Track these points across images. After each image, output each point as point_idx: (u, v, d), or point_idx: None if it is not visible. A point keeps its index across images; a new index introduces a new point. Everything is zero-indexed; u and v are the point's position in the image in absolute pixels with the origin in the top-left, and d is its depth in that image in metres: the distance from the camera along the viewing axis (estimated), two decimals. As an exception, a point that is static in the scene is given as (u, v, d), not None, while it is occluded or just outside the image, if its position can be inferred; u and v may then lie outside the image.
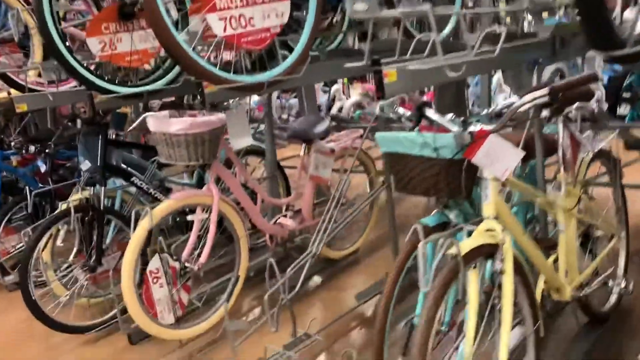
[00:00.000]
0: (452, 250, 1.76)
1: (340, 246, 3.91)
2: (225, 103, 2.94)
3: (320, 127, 3.43)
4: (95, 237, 3.31)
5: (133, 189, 3.69)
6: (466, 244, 1.79)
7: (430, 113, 1.98)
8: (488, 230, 1.88)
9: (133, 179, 3.48)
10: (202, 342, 3.06)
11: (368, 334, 2.94)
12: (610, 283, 2.61)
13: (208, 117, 2.77)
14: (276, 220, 3.44)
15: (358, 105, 5.17)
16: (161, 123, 2.73)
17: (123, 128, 3.82)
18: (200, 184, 3.91)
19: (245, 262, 3.20)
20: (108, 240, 3.53)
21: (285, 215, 3.50)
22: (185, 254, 2.96)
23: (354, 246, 3.94)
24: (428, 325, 1.65)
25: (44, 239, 3.16)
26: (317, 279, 3.60)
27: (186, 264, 2.94)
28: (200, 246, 3.01)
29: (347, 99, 6.17)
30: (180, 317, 2.96)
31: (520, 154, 1.83)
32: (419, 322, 1.68)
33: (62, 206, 3.28)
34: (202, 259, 2.93)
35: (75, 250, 3.40)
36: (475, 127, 1.87)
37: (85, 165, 3.37)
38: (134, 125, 3.33)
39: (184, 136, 2.72)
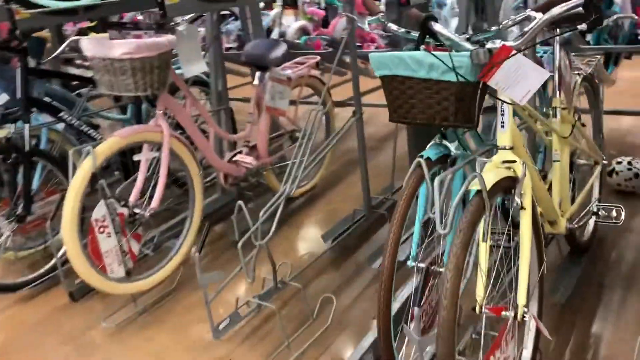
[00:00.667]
0: (475, 186, 1.55)
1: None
2: (172, 23, 2.52)
3: (277, 52, 3.07)
4: (21, 183, 2.86)
5: (60, 127, 3.22)
6: (487, 179, 1.58)
7: (439, 28, 1.71)
8: (506, 162, 1.68)
9: (62, 114, 3.02)
10: (156, 294, 2.76)
11: (341, 276, 2.74)
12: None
13: (156, 38, 2.36)
14: (231, 158, 3.11)
15: (303, 31, 4.79)
16: (101, 46, 2.30)
17: (41, 56, 3.28)
18: (138, 119, 3.48)
19: (200, 204, 2.88)
20: (35, 186, 3.07)
21: (240, 152, 3.17)
22: (133, 198, 2.61)
23: (311, 182, 3.69)
24: (458, 272, 1.45)
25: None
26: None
27: (135, 210, 2.59)
28: (150, 188, 2.66)
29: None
30: (131, 269, 2.63)
31: (545, 74, 1.61)
32: (447, 269, 1.46)
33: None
34: (154, 203, 2.59)
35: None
36: (494, 44, 1.62)
37: (1, 98, 2.87)
38: (60, 49, 2.86)
39: (129, 61, 2.30)
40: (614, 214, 2.29)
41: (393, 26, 1.93)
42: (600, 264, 2.58)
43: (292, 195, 3.52)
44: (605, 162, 2.60)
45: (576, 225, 2.23)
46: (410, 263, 1.96)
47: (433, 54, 1.65)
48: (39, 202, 2.97)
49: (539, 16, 1.72)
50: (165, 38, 2.37)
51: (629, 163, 3.17)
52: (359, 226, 3.06)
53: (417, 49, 1.77)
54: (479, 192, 1.54)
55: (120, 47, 2.27)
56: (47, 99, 3.12)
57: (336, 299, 2.46)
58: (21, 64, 2.77)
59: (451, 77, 1.66)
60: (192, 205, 2.86)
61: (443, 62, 1.62)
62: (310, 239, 3.15)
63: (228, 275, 2.26)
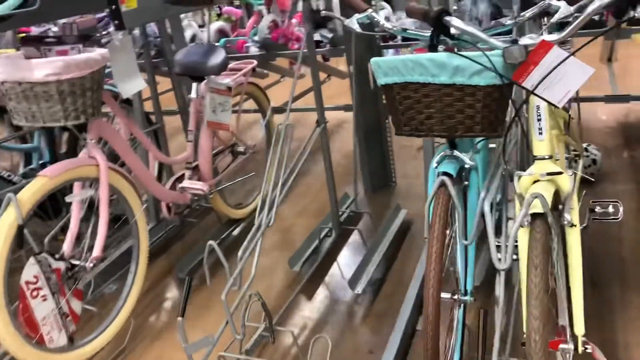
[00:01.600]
0: (537, 208, 1.31)
1: (241, 202, 3.29)
2: (98, 34, 2.08)
3: (216, 59, 2.70)
4: None
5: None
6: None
7: (458, 23, 1.45)
8: (549, 175, 1.46)
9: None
10: (106, 356, 2.31)
11: (323, 307, 2.44)
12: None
13: (87, 54, 1.92)
14: (174, 184, 2.69)
15: (221, 33, 4.39)
16: (15, 67, 1.83)
17: None
18: (51, 146, 2.96)
19: (146, 243, 2.46)
20: None
21: (181, 176, 2.77)
22: (68, 248, 2.15)
23: (255, 200, 3.35)
24: (545, 315, 1.20)
25: None
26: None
27: (74, 262, 2.14)
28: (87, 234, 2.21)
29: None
30: (74, 332, 2.17)
31: (589, 71, 1.40)
32: (534, 309, 1.20)
33: None
34: (97, 251, 2.15)
35: None
36: (532, 39, 1.39)
37: None
38: None
39: (56, 84, 1.85)
40: (611, 209, 2.17)
41: (388, 24, 1.65)
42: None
43: (240, 217, 3.20)
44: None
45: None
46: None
47: (462, 55, 1.40)
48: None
49: (563, 5, 1.52)
50: (97, 53, 1.93)
51: (585, 149, 3.12)
52: (330, 244, 2.78)
53: (432, 49, 1.51)
54: (540, 215, 1.31)
55: (43, 68, 1.81)
56: None
57: (326, 335, 2.17)
58: None
59: (479, 80, 1.42)
60: (136, 245, 2.43)
61: (480, 63, 1.37)
62: (277, 266, 2.81)
63: (214, 336, 1.87)
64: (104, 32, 2.07)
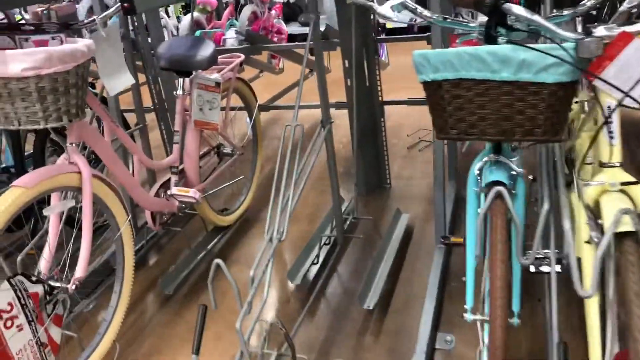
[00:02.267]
0: (626, 226, 1.14)
1: (226, 208, 3.05)
2: (79, 22, 1.80)
3: (204, 52, 2.44)
4: None
5: None
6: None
7: (520, 11, 1.27)
8: (623, 185, 1.30)
9: None
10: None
11: (334, 324, 2.23)
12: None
13: (70, 45, 1.65)
14: (159, 191, 2.43)
15: (196, 24, 4.10)
16: (-15, 59, 1.54)
17: None
18: (17, 148, 2.65)
19: (131, 259, 2.19)
20: None
21: (166, 182, 2.50)
22: (45, 268, 1.88)
23: (243, 205, 3.11)
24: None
25: None
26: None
27: (53, 284, 1.86)
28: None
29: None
30: (54, 364, 1.90)
31: (670, 67, 1.24)
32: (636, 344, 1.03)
33: None
34: (80, 270, 1.88)
35: None
36: (608, 31, 1.21)
37: None
38: None
39: (34, 80, 1.57)
40: None
41: (427, 12, 1.45)
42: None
43: (226, 224, 2.96)
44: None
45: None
46: (469, 317, 1.55)
47: (532, 47, 1.21)
48: None
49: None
50: (83, 43, 1.66)
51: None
52: (330, 254, 2.57)
53: (490, 41, 1.32)
54: (630, 234, 1.14)
55: (20, 60, 1.53)
56: None
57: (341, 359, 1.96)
58: None
59: (547, 77, 1.24)
60: (120, 261, 2.16)
61: (556, 56, 1.18)
62: (273, 278, 2.57)
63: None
64: (85, 21, 1.79)
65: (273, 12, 4.29)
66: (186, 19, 3.99)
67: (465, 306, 1.55)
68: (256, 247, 2.84)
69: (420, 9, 1.47)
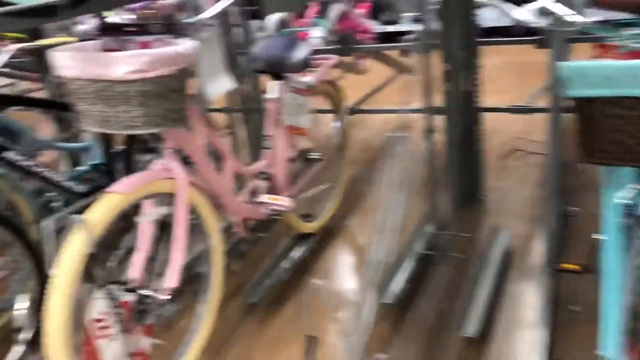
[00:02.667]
0: None
1: (309, 214, 2.93)
2: (180, 23, 1.72)
3: (299, 54, 2.34)
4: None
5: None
6: None
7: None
8: None
9: (5, 154, 2.13)
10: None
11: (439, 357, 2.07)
12: None
13: (175, 46, 1.57)
14: (250, 197, 2.35)
15: (282, 23, 4.04)
16: (91, 61, 1.48)
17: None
18: (107, 146, 2.63)
19: (221, 272, 2.12)
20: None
21: (255, 188, 2.42)
22: (138, 276, 1.82)
23: (327, 212, 2.99)
24: None
25: None
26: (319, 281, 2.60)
27: (145, 293, 1.80)
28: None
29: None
30: (142, 374, 1.85)
31: None
32: None
33: None
34: (171, 280, 1.81)
35: None
36: None
37: None
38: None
39: (139, 84, 1.50)
40: None
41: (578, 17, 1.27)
42: None
43: (312, 232, 2.85)
44: None
45: None
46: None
47: None
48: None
49: None
50: (187, 45, 1.57)
51: None
52: (422, 272, 2.41)
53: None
54: None
55: (127, 63, 1.46)
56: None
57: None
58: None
59: None
60: (209, 271, 2.09)
61: None
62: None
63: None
64: (185, 20, 1.71)
65: (360, 10, 4.16)
66: (273, 18, 3.90)
67: (599, 353, 1.37)
68: (340, 258, 2.73)
69: (566, 12, 1.29)
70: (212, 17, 1.71)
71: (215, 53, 1.78)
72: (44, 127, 3.06)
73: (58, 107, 2.58)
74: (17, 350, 2.19)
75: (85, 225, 1.54)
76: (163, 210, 1.84)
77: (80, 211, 1.62)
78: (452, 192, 2.92)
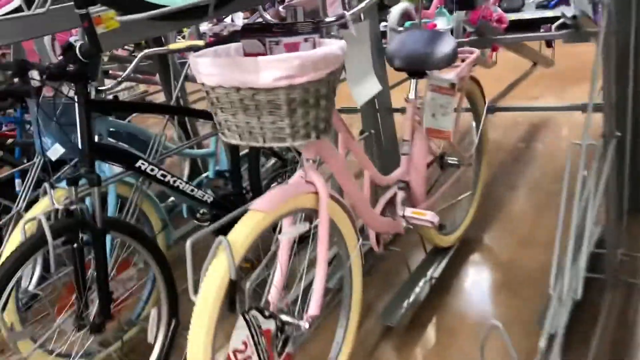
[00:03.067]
0: None
1: (443, 225, 2.67)
2: (324, 20, 1.53)
3: (444, 48, 2.09)
4: (95, 273, 1.94)
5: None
6: None
7: None
8: None
9: (139, 163, 2.06)
10: None
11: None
12: None
13: (324, 48, 1.38)
14: (384, 209, 2.13)
15: (406, 15, 3.80)
16: (235, 67, 1.32)
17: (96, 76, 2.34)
18: (231, 154, 2.52)
19: (360, 294, 1.92)
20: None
21: (392, 199, 2.20)
22: (275, 300, 1.66)
23: (464, 223, 2.72)
24: None
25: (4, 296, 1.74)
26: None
27: (286, 319, 1.64)
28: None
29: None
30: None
31: None
32: None
33: (23, 226, 1.88)
34: (315, 308, 1.63)
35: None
36: None
37: (54, 151, 1.93)
38: (131, 68, 1.95)
39: (286, 90, 1.33)
40: None
41: None
42: None
43: (444, 245, 2.59)
44: None
45: None
46: None
47: None
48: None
49: None
50: (336, 46, 1.38)
51: None
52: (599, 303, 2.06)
53: None
54: None
55: (273, 68, 1.29)
56: (114, 141, 2.19)
57: None
58: (81, 99, 1.83)
59: None
60: (348, 293, 1.90)
61: None
62: (512, 321, 2.15)
63: None
64: (333, 17, 1.52)
65: (490, -2, 3.83)
66: (395, 10, 3.67)
67: None
68: (481, 276, 2.45)
69: None
70: (360, 11, 1.51)
71: (364, 52, 1.57)
72: (168, 132, 3.02)
73: (181, 113, 2.51)
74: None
75: (229, 248, 1.39)
76: (303, 227, 1.67)
77: (222, 231, 1.48)
78: (620, 204, 2.55)
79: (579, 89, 4.57)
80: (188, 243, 1.48)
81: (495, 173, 3.34)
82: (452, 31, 3.49)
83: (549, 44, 3.24)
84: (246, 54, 1.44)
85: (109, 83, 2.33)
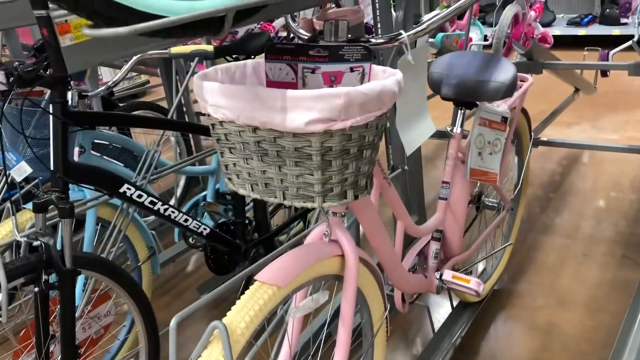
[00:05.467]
0: None
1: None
2: (369, 38, 1.18)
3: (502, 76, 1.73)
4: (61, 318, 1.59)
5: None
6: None
7: None
8: None
9: (125, 188, 1.70)
10: None
11: None
12: None
13: (379, 82, 1.01)
14: (420, 266, 1.78)
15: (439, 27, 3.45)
16: (254, 101, 0.96)
17: (82, 77, 1.98)
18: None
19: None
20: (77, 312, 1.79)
21: (423, 250, 1.84)
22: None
23: (494, 274, 2.37)
24: None
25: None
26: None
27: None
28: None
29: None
30: None
31: None
32: None
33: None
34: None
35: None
36: None
37: (20, 170, 1.57)
38: (125, 70, 1.61)
39: (320, 137, 0.97)
40: None
41: None
42: None
43: (472, 300, 2.24)
44: None
45: None
46: None
47: None
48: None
49: None
50: (394, 79, 1.02)
51: None
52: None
53: None
54: None
55: (307, 108, 0.93)
56: (95, 153, 1.83)
57: None
58: (56, 110, 1.46)
59: None
60: (367, 366, 1.55)
61: None
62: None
63: None
64: (380, 38, 1.16)
65: (532, 13, 3.44)
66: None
67: None
68: (513, 340, 2.10)
69: None
70: (421, 34, 1.15)
71: (419, 85, 1.22)
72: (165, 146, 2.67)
73: (178, 129, 2.16)
74: None
75: (228, 337, 1.04)
76: (322, 298, 1.31)
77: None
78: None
79: (615, 117, 4.22)
80: (172, 323, 1.13)
81: (528, 212, 2.99)
82: (483, 47, 3.15)
83: (604, 73, 2.89)
84: (269, 82, 1.08)
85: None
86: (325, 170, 1.02)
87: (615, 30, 5.81)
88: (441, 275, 1.75)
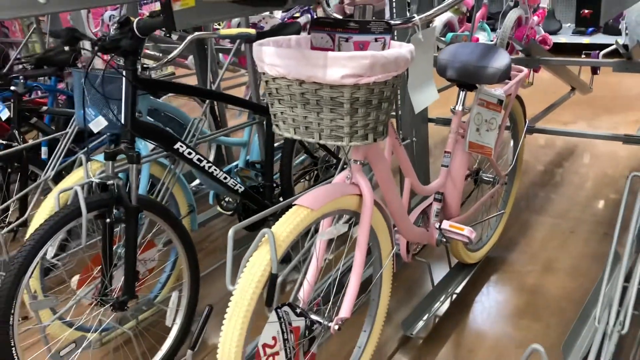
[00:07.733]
0: None
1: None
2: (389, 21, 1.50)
3: (498, 63, 2.05)
4: (122, 250, 1.93)
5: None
6: None
7: None
8: None
9: (178, 145, 2.04)
10: None
11: None
12: None
13: (395, 50, 1.35)
14: (422, 220, 2.11)
15: (448, 26, 3.75)
16: (302, 60, 1.30)
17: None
18: (266, 145, 2.50)
19: (386, 302, 1.90)
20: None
21: (426, 209, 2.17)
22: (305, 299, 1.64)
23: (490, 241, 2.69)
24: None
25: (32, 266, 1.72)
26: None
27: (315, 319, 1.61)
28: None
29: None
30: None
31: None
32: None
33: (57, 195, 1.87)
34: (346, 311, 1.60)
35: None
36: None
37: (97, 123, 1.91)
38: (180, 48, 1.93)
39: (350, 89, 1.30)
40: None
41: None
42: None
43: (469, 262, 2.56)
44: None
45: None
46: None
47: None
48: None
49: None
50: (407, 49, 1.35)
51: None
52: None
53: None
54: None
55: (342, 65, 1.26)
56: (155, 122, 2.17)
57: None
58: (129, 75, 1.81)
59: None
60: (375, 301, 1.88)
61: None
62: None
63: None
64: (398, 20, 1.49)
65: (535, 17, 3.77)
66: (438, 20, 3.64)
67: None
68: (503, 297, 2.41)
69: None
70: (432, 16, 1.48)
71: (427, 59, 1.55)
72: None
73: (224, 100, 2.49)
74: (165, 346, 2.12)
75: (274, 241, 1.37)
76: (343, 228, 1.64)
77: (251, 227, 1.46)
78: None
79: (611, 118, 4.53)
80: (230, 232, 1.46)
81: (523, 195, 3.30)
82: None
83: (594, 70, 3.21)
84: (313, 47, 1.42)
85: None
86: (352, 116, 1.35)
87: (618, 39, 6.10)
88: (440, 224, 2.08)
